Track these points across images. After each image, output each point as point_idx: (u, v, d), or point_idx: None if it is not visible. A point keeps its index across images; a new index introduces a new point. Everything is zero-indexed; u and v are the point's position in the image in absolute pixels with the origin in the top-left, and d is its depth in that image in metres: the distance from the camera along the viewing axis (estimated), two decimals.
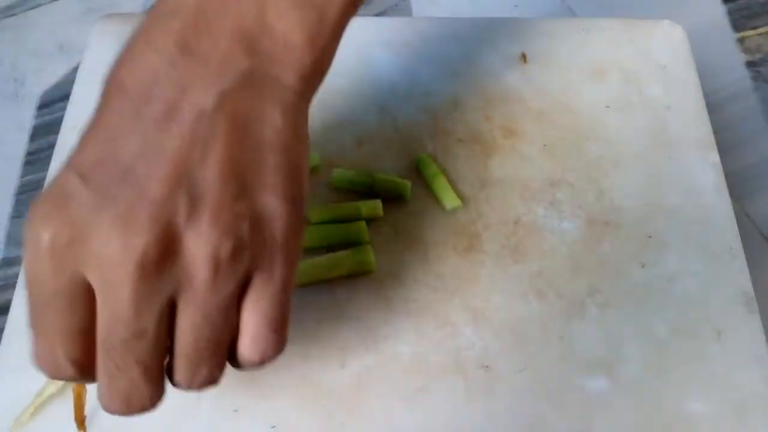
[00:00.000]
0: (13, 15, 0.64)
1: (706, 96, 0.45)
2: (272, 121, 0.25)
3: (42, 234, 0.23)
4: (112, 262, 0.23)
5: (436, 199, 0.40)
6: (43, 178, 0.42)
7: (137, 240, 0.22)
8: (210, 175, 0.24)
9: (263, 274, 0.25)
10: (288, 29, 0.26)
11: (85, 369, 0.25)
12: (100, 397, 0.25)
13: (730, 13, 0.63)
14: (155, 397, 0.25)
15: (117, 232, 0.23)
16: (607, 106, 0.44)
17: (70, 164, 0.24)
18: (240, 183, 0.24)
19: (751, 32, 0.62)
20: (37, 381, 0.35)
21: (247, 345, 0.26)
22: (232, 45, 0.25)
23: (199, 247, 0.23)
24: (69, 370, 0.25)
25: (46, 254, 0.23)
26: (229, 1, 0.26)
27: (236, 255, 0.24)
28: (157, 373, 0.25)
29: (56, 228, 0.23)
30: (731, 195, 0.41)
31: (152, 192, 0.23)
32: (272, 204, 0.25)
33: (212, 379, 0.26)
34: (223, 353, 0.25)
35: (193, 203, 0.23)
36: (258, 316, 0.25)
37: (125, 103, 0.25)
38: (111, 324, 0.23)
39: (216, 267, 0.23)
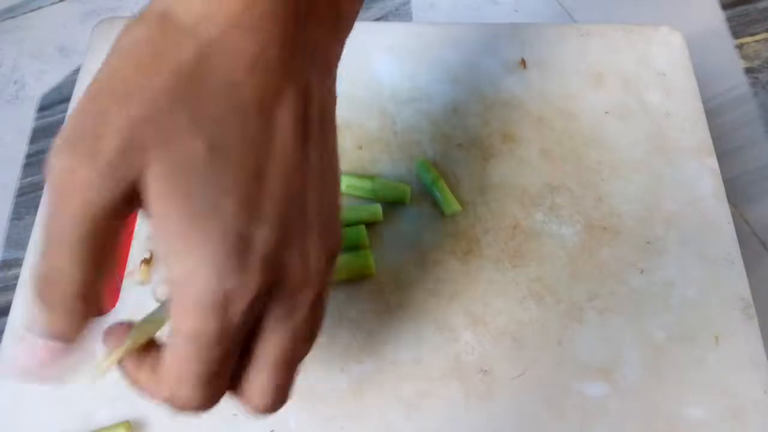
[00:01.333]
0: (14, 17, 0.64)
1: (705, 102, 0.45)
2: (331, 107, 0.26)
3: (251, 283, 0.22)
4: (314, 271, 0.24)
5: (435, 204, 0.41)
6: (43, 181, 0.42)
7: (332, 244, 0.25)
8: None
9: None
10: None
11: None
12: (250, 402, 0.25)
13: (729, 19, 0.64)
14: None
15: (318, 243, 0.24)
16: (606, 112, 0.45)
17: (232, 197, 0.22)
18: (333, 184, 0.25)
19: (749, 39, 0.62)
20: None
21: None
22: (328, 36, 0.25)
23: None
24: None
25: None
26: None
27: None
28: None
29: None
30: (730, 201, 0.41)
31: (315, 220, 0.24)
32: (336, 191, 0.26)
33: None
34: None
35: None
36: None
37: (259, 114, 0.22)
38: (297, 335, 0.24)
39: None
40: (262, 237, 0.22)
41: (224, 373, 0.24)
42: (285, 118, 0.22)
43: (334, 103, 0.26)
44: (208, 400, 0.24)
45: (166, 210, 0.22)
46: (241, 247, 0.22)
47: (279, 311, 0.24)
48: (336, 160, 0.26)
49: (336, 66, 0.27)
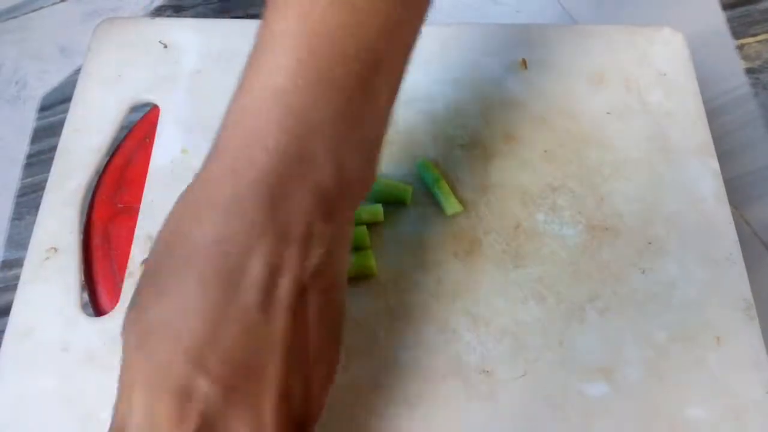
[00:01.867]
0: (15, 17, 0.64)
1: (706, 102, 0.45)
2: (339, 297, 0.28)
3: None
4: None
5: (436, 204, 0.41)
6: (44, 180, 0.42)
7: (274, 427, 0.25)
8: (311, 359, 0.27)
9: None
10: (352, 179, 0.27)
11: None
12: None
13: (730, 20, 0.64)
14: None
15: (249, 424, 0.25)
16: (608, 113, 0.45)
17: (181, 349, 0.24)
18: (325, 345, 0.27)
19: (750, 39, 0.62)
20: (38, 381, 0.35)
21: None
22: (313, 212, 0.26)
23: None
24: None
25: None
26: (306, 166, 0.26)
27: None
28: None
29: (194, 425, 0.24)
30: (731, 201, 0.41)
31: (273, 386, 0.25)
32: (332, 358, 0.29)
33: None
34: None
35: (305, 391, 0.27)
36: None
37: (220, 283, 0.25)
38: None
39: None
40: (203, 390, 0.24)
41: None
42: (248, 284, 0.25)
43: (334, 279, 0.28)
44: None
45: (129, 363, 0.25)
46: (181, 397, 0.24)
47: None
48: (331, 336, 0.28)
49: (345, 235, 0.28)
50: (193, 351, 0.24)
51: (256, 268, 0.25)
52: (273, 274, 0.25)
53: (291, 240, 0.25)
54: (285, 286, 0.25)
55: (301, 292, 0.26)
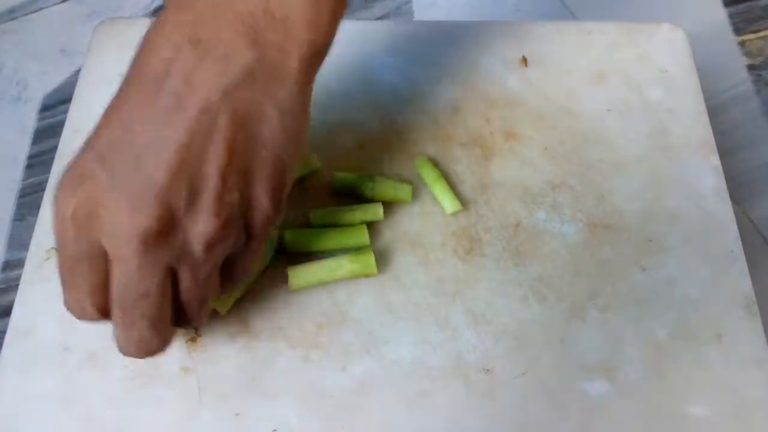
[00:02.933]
0: (15, 19, 0.64)
1: (708, 99, 0.45)
2: (270, 122, 0.29)
3: (65, 206, 0.27)
4: (121, 237, 0.27)
5: (436, 203, 0.40)
6: (45, 181, 0.42)
7: (142, 220, 0.26)
8: (209, 169, 0.27)
9: (239, 249, 0.30)
10: (289, 14, 0.28)
11: (107, 314, 0.29)
12: (117, 342, 0.30)
13: (732, 16, 0.63)
14: (162, 344, 0.30)
15: (126, 212, 0.26)
16: (608, 110, 0.44)
17: (90, 145, 0.28)
18: (234, 176, 0.28)
19: (752, 36, 0.62)
20: (39, 382, 0.35)
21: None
22: (237, 36, 0.28)
23: (196, 230, 0.28)
24: (94, 315, 0.29)
25: (69, 223, 0.27)
26: None
27: (224, 237, 0.28)
28: (162, 324, 0.29)
29: (76, 202, 0.27)
30: (732, 198, 0.41)
31: (158, 180, 0.27)
32: (258, 196, 0.29)
33: (204, 316, 0.31)
34: (208, 301, 0.31)
35: (192, 193, 0.27)
36: (229, 279, 0.32)
37: (141, 93, 0.28)
38: (121, 287, 0.28)
39: (208, 246, 0.28)
40: (97, 177, 0.27)
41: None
42: (166, 90, 0.27)
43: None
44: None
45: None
46: (73, 179, 0.28)
47: None
48: (260, 170, 0.29)
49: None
50: (97, 150, 0.27)
51: (172, 77, 0.27)
52: (185, 84, 0.27)
53: (207, 56, 0.27)
54: (192, 96, 0.27)
55: (207, 108, 0.27)
